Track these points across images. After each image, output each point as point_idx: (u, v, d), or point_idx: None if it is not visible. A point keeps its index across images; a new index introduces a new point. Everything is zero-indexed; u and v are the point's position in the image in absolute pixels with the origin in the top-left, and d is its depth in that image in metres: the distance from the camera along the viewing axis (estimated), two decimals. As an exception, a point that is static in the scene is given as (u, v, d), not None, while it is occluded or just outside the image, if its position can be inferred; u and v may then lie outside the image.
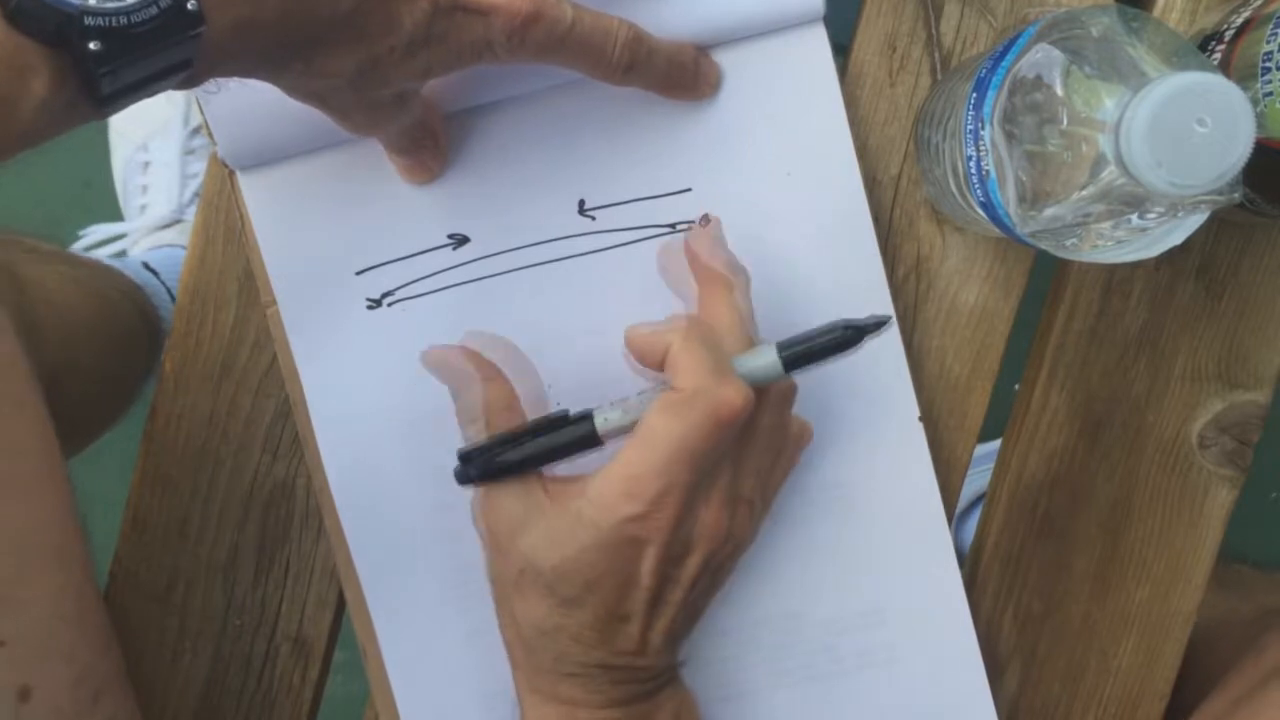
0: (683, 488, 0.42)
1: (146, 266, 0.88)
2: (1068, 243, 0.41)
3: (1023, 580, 0.54)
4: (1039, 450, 0.53)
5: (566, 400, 0.50)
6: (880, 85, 0.52)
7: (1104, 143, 0.37)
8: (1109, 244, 0.41)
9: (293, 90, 0.42)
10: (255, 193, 0.50)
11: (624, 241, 0.50)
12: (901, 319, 0.51)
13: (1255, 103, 0.42)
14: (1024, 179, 0.40)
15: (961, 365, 0.52)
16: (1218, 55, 0.46)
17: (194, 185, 0.97)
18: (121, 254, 0.97)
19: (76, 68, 0.33)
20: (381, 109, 0.43)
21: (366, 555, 0.51)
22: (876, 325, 0.43)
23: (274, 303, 0.50)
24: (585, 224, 0.50)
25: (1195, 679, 0.54)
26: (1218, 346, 0.52)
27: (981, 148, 0.41)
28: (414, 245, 0.50)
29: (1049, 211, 0.40)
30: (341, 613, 0.54)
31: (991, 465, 0.56)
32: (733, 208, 0.50)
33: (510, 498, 0.44)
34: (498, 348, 0.49)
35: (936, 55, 0.52)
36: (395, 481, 0.51)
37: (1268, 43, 0.43)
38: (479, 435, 0.45)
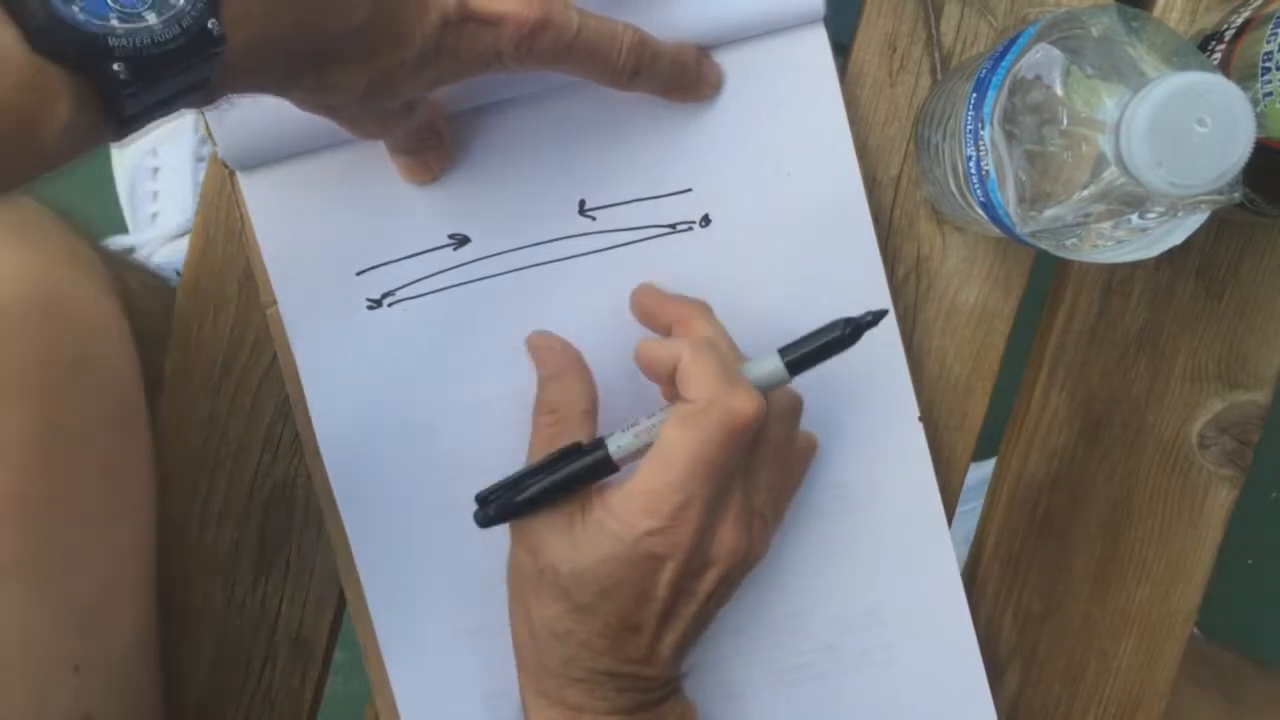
0: (702, 501, 0.42)
1: (179, 274, 0.87)
2: (1068, 243, 0.41)
3: (1023, 580, 0.54)
4: (1039, 450, 0.53)
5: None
6: (880, 85, 0.52)
7: (1104, 143, 0.37)
8: (1109, 244, 0.41)
9: (304, 104, 0.42)
10: (255, 193, 0.50)
11: (624, 242, 0.50)
12: (901, 319, 0.51)
13: (1255, 103, 0.42)
14: (1024, 179, 0.40)
15: (961, 365, 0.52)
16: (1218, 55, 0.46)
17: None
18: None
19: (100, 91, 0.32)
20: (391, 116, 0.44)
21: (367, 555, 0.51)
22: (874, 319, 0.43)
23: (274, 303, 0.51)
24: (586, 224, 0.50)
25: None
26: (1218, 346, 0.52)
27: (981, 148, 0.41)
28: (414, 245, 0.50)
29: (1049, 211, 0.40)
30: (342, 612, 0.54)
31: (978, 504, 0.56)
32: (733, 208, 0.50)
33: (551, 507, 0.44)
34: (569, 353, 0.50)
35: (937, 55, 0.52)
36: (395, 481, 0.51)
37: (1268, 43, 0.43)
38: (549, 428, 0.46)
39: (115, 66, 0.32)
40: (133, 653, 0.45)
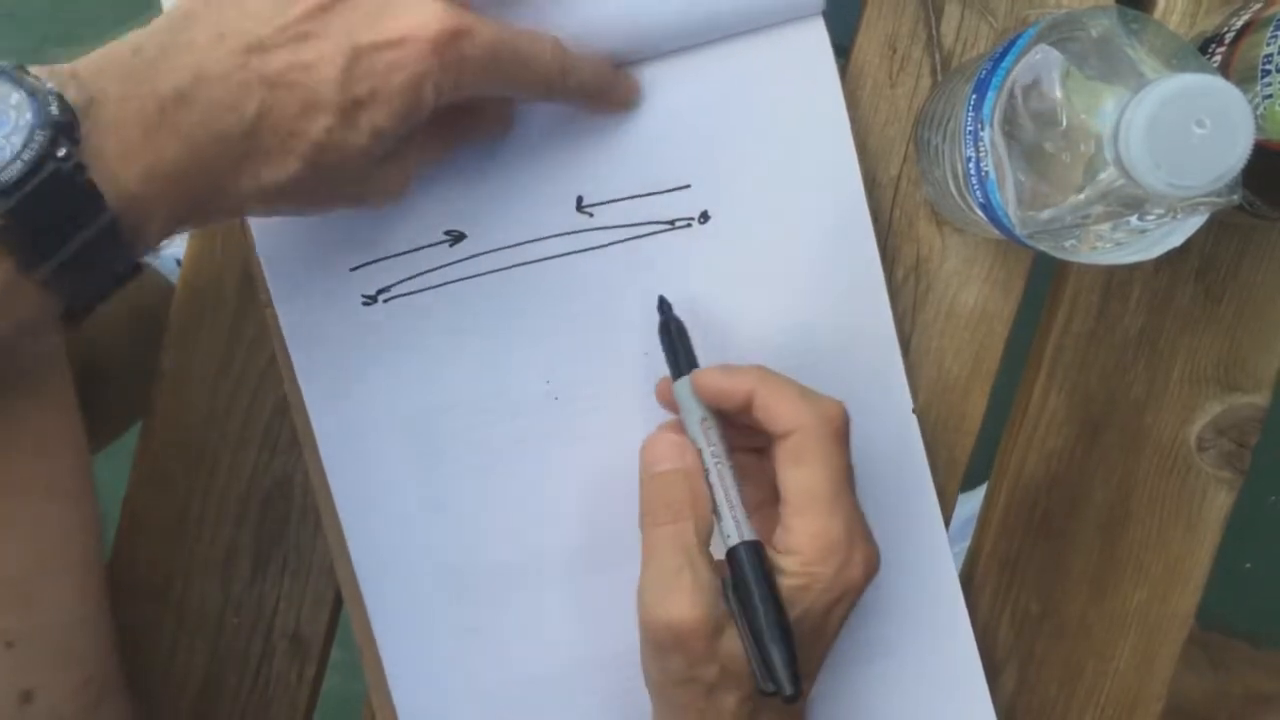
0: (858, 521, 0.43)
1: (180, 264, 0.87)
2: (1067, 244, 0.41)
3: (1020, 581, 0.54)
4: (1037, 451, 0.53)
5: (564, 394, 0.50)
6: (880, 86, 0.52)
7: (1103, 144, 0.37)
8: (1108, 245, 0.41)
9: (274, 213, 0.42)
10: None
11: (622, 238, 0.50)
12: (900, 320, 0.51)
13: (1255, 105, 0.42)
14: (1023, 180, 0.40)
15: (960, 366, 0.52)
16: (1218, 58, 0.46)
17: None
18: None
19: (4, 250, 0.35)
20: (384, 174, 0.43)
21: (364, 553, 0.51)
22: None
23: (270, 302, 0.50)
24: (583, 220, 0.50)
25: None
26: (1216, 349, 0.52)
27: (981, 149, 0.41)
28: (410, 242, 0.50)
29: (1048, 213, 0.40)
30: (339, 611, 0.54)
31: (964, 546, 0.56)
32: (732, 204, 0.50)
33: (711, 606, 0.42)
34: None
35: (937, 56, 0.52)
36: (392, 478, 0.51)
37: (1268, 45, 0.43)
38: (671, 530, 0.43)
39: None
40: (74, 627, 0.45)
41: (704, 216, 0.50)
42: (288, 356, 0.51)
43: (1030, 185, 0.40)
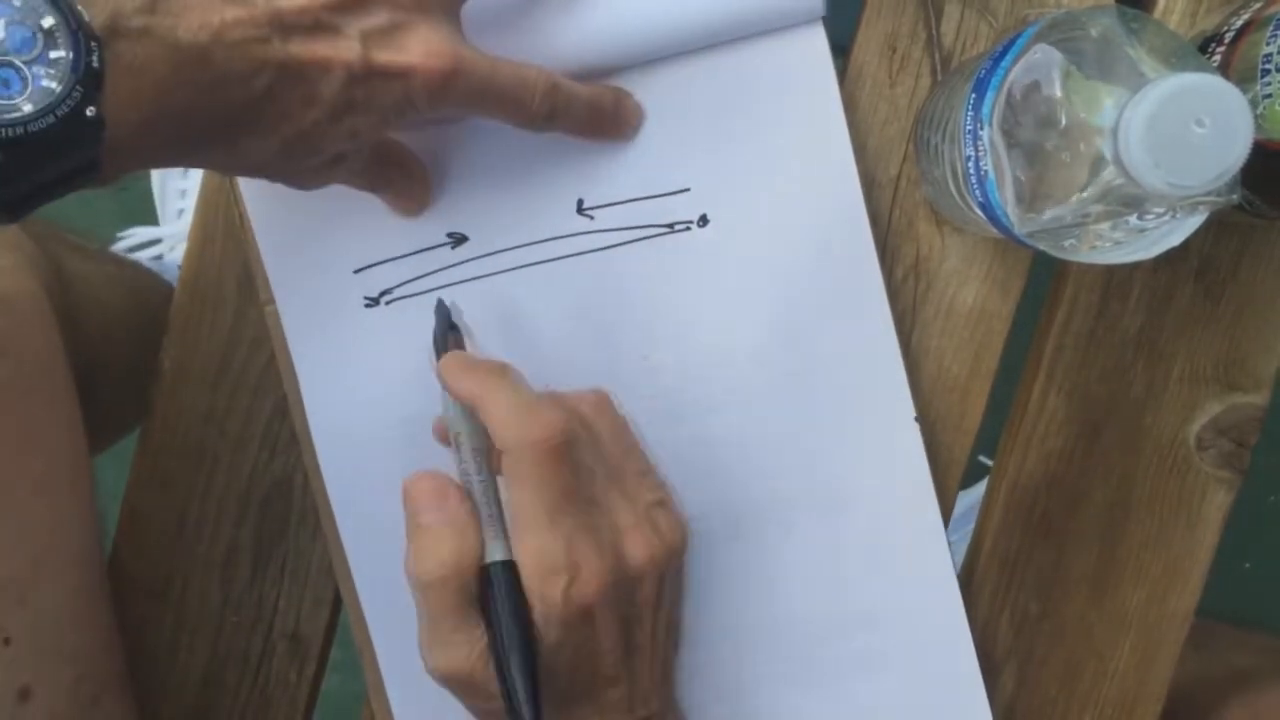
0: (585, 530, 0.41)
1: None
2: (1066, 243, 0.41)
3: (1020, 582, 0.54)
4: (1037, 451, 0.53)
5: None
6: (880, 86, 0.52)
7: (1103, 144, 0.37)
8: (1107, 245, 0.41)
9: (225, 170, 0.42)
10: (254, 189, 0.50)
11: (622, 241, 0.50)
12: (900, 320, 0.51)
13: (1255, 104, 0.42)
14: (1022, 180, 0.40)
15: (960, 366, 0.52)
16: (1218, 57, 0.46)
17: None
18: (158, 258, 0.97)
19: None
20: (321, 171, 0.43)
21: (362, 554, 0.51)
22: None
23: (272, 301, 0.50)
24: (584, 223, 0.50)
25: None
26: (1216, 348, 0.52)
27: (980, 148, 0.41)
28: (412, 244, 0.50)
29: (1047, 212, 0.40)
30: (339, 611, 0.54)
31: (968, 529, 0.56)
32: (731, 207, 0.50)
33: (481, 655, 0.42)
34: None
35: (937, 56, 0.52)
36: (391, 480, 0.50)
37: (1268, 45, 0.43)
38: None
39: None
40: (72, 624, 0.45)
41: (703, 220, 0.50)
42: (288, 357, 0.51)
43: (1030, 185, 0.40)
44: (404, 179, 0.49)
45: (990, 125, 0.40)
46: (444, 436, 0.46)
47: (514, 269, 0.50)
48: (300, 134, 0.40)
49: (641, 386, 0.50)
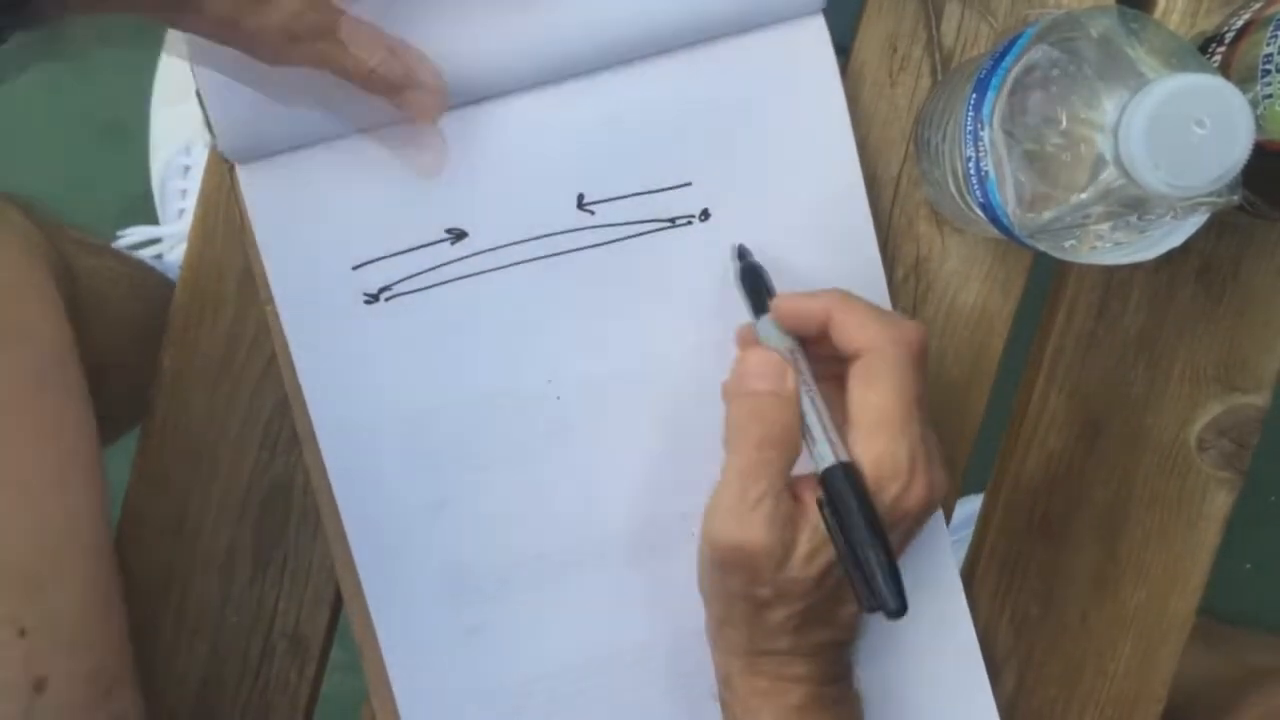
0: (922, 446, 0.42)
1: None
2: (1066, 244, 0.41)
3: (1020, 582, 0.54)
4: (1037, 452, 0.53)
5: (566, 393, 0.50)
6: (880, 86, 0.52)
7: (1103, 144, 0.37)
8: (1108, 245, 0.41)
9: (179, 11, 0.41)
10: (253, 185, 0.50)
11: (623, 236, 0.50)
12: (900, 320, 0.51)
13: (1255, 105, 0.42)
14: (1023, 180, 0.40)
15: (960, 367, 0.52)
16: (1218, 58, 0.46)
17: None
18: (158, 258, 0.97)
19: None
20: (285, 42, 0.42)
21: (365, 552, 0.51)
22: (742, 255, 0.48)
23: (272, 300, 0.50)
24: (584, 218, 0.50)
25: None
26: (1216, 349, 0.52)
27: (981, 149, 0.41)
28: (411, 240, 0.50)
29: (1048, 213, 0.40)
30: (339, 611, 0.54)
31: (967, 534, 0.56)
32: (732, 201, 0.50)
33: (782, 536, 0.42)
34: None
35: (937, 56, 0.52)
36: (394, 477, 0.51)
37: (1268, 45, 0.43)
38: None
39: None
40: (86, 616, 0.45)
41: (705, 214, 0.50)
42: (288, 356, 0.51)
43: (1030, 185, 0.40)
44: (406, 89, 0.46)
45: (991, 125, 0.40)
46: (749, 340, 0.47)
47: (514, 264, 0.50)
48: None
49: (643, 381, 0.50)
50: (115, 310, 0.61)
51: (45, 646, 0.43)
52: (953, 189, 0.45)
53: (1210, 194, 0.37)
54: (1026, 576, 0.54)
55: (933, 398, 0.52)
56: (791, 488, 0.43)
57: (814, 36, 0.49)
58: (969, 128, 0.42)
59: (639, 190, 0.50)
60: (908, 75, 0.52)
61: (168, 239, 0.97)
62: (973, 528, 0.55)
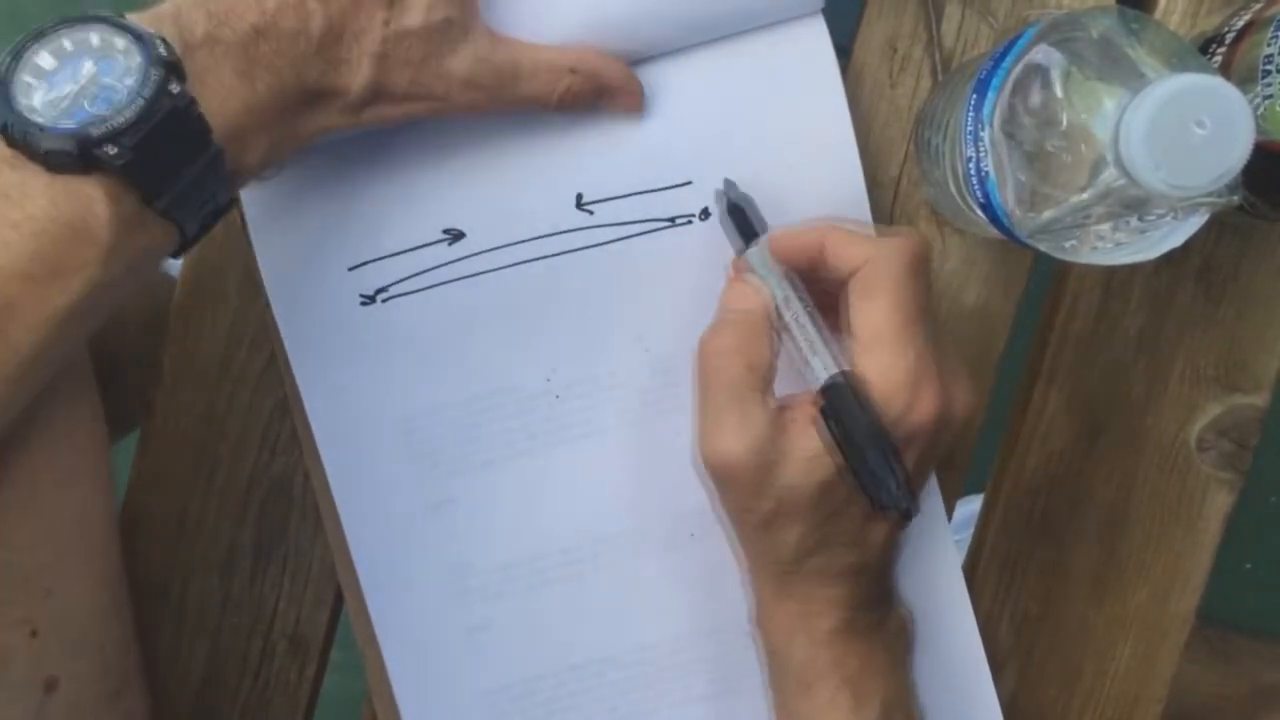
0: (930, 358, 0.42)
1: None
2: (1067, 244, 0.41)
3: (1020, 582, 0.54)
4: (1037, 452, 0.53)
5: (565, 393, 0.50)
6: (881, 86, 0.52)
7: (1103, 144, 0.37)
8: (1108, 246, 0.41)
9: (368, 122, 0.45)
10: (251, 185, 0.50)
11: (622, 235, 0.50)
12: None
13: (1255, 105, 0.42)
14: (1023, 180, 0.40)
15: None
16: (1218, 58, 0.46)
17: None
18: None
19: (120, 181, 0.38)
20: (454, 64, 0.45)
21: (365, 552, 0.51)
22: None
23: (267, 303, 0.50)
24: (583, 218, 0.50)
25: None
26: (1217, 349, 0.52)
27: (981, 149, 0.41)
28: (408, 240, 0.50)
29: (1048, 213, 0.40)
30: (339, 611, 0.54)
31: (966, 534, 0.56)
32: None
33: (759, 442, 0.42)
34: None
35: (937, 56, 0.52)
36: (393, 478, 0.51)
37: (1268, 45, 0.43)
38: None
39: (110, 150, 0.37)
40: (95, 616, 0.46)
41: (704, 214, 0.50)
42: (287, 356, 0.51)
43: (1030, 186, 0.40)
44: (595, 92, 0.48)
45: (991, 126, 0.40)
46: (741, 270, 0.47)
47: (512, 265, 0.50)
48: (384, 40, 0.42)
49: (642, 380, 0.50)
50: (119, 309, 0.61)
51: (56, 647, 0.44)
52: (953, 189, 0.45)
53: (1210, 194, 0.37)
54: (1026, 576, 0.54)
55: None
56: (785, 404, 0.43)
57: (814, 37, 0.49)
58: (969, 128, 0.42)
59: (638, 190, 0.50)
60: (908, 76, 0.52)
61: None
62: (973, 528, 0.55)
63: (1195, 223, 0.40)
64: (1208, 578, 0.53)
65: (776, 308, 0.44)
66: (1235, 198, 0.38)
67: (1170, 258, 0.42)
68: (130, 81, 0.38)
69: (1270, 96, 0.42)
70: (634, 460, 0.51)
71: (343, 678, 0.60)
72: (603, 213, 0.50)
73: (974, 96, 0.42)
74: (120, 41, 0.39)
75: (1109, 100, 0.38)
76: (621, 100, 0.49)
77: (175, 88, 0.38)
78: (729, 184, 0.49)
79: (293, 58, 0.41)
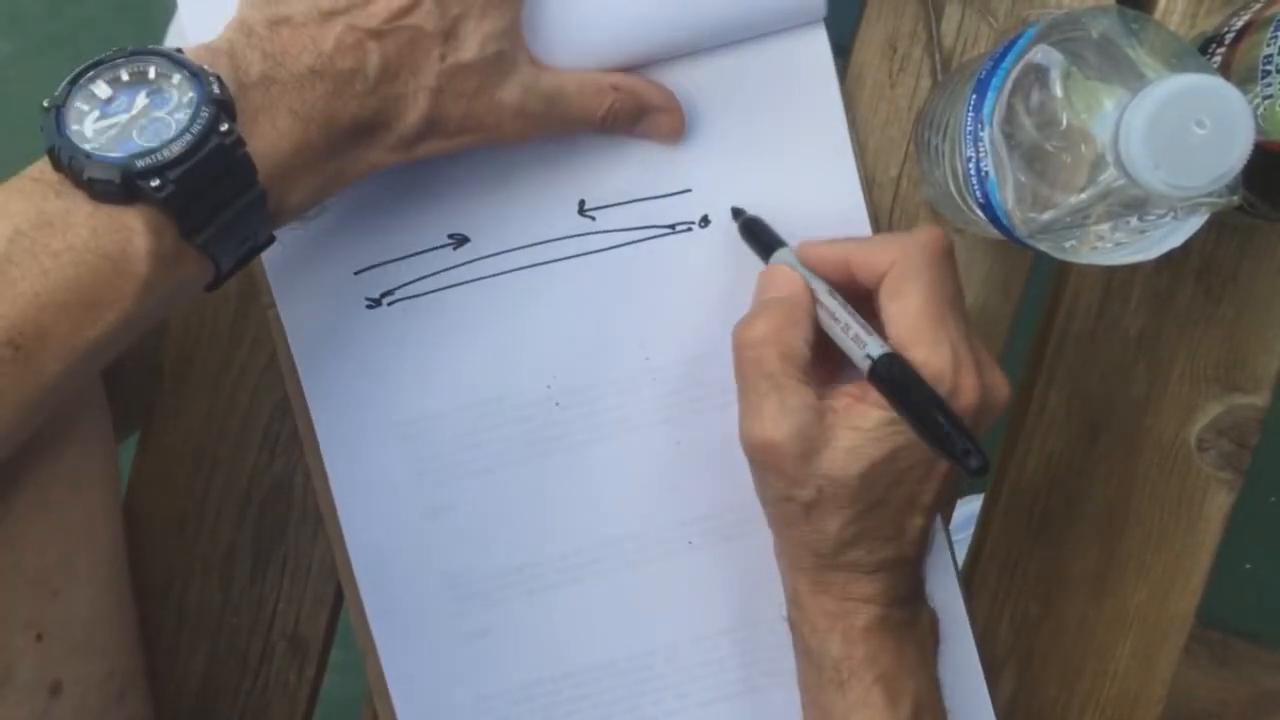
0: (966, 345, 0.42)
1: None
2: (1067, 244, 0.41)
3: (1020, 582, 0.54)
4: (1037, 452, 0.53)
5: (566, 400, 0.50)
6: (880, 86, 0.52)
7: (1103, 144, 0.37)
8: (1108, 246, 0.41)
9: (418, 156, 0.45)
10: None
11: (624, 242, 0.50)
12: (900, 320, 0.51)
13: (1255, 105, 0.42)
14: (1023, 181, 0.41)
15: (960, 367, 0.52)
16: (1218, 58, 0.46)
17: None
18: None
19: (161, 214, 0.38)
20: (507, 98, 0.45)
21: (364, 555, 0.51)
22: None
23: (273, 305, 0.50)
24: (585, 224, 0.50)
25: None
26: (1216, 349, 0.52)
27: (981, 149, 0.41)
28: (414, 245, 0.50)
29: (1048, 213, 0.40)
30: (339, 612, 0.54)
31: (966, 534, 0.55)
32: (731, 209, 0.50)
33: (801, 427, 0.42)
34: None
35: (937, 56, 0.52)
36: (394, 482, 0.51)
37: (1268, 45, 0.43)
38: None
39: (153, 183, 0.37)
40: (100, 619, 0.46)
41: (704, 221, 0.50)
42: (289, 357, 0.51)
43: (1030, 186, 0.40)
44: (638, 112, 0.48)
45: (991, 126, 0.40)
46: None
47: (515, 270, 0.50)
48: (439, 75, 0.43)
49: (642, 387, 0.50)
50: None
51: (61, 650, 0.44)
52: (953, 189, 0.45)
53: (1210, 194, 0.37)
54: (1026, 576, 0.54)
55: (933, 398, 0.52)
56: (824, 394, 0.43)
57: (814, 46, 0.49)
58: (969, 128, 0.42)
59: (640, 196, 0.50)
60: (908, 76, 0.52)
61: None
62: (973, 528, 0.55)
63: (1195, 223, 0.40)
64: (1208, 578, 0.53)
65: (815, 298, 0.45)
66: (1235, 198, 0.38)
67: (1170, 258, 0.42)
68: (181, 117, 0.38)
69: (1270, 96, 0.42)
70: (633, 467, 0.51)
71: (343, 678, 0.60)
72: (604, 219, 0.50)
73: (974, 96, 0.42)
74: (176, 76, 0.39)
75: (1109, 100, 0.38)
76: (662, 120, 0.49)
77: (225, 126, 0.38)
78: (735, 209, 0.49)
79: (348, 97, 0.41)
